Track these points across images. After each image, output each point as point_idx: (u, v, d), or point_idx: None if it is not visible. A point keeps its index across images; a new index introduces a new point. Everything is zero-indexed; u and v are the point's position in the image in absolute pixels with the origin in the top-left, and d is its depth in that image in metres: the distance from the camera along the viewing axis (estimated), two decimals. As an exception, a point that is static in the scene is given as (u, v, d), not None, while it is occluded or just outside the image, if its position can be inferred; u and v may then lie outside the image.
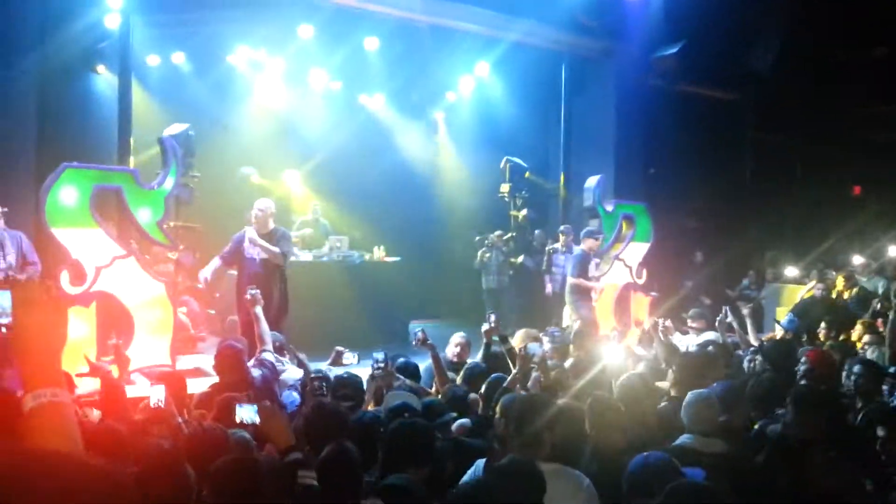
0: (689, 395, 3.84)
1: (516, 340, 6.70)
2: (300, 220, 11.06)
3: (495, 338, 5.64)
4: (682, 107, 12.52)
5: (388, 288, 10.20)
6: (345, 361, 5.55)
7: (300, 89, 12.05)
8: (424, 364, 5.73)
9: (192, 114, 9.23)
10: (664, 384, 4.89)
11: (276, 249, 7.12)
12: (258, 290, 5.53)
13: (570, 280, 9.10)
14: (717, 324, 7.08)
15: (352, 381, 4.68)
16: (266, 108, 11.79)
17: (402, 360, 5.43)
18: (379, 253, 10.52)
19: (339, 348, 5.72)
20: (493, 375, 4.91)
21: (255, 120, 11.69)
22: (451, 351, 6.17)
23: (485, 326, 5.81)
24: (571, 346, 6.27)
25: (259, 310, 5.38)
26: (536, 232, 11.76)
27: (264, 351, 5.15)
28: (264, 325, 5.30)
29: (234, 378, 4.71)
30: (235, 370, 4.75)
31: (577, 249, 9.42)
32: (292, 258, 8.12)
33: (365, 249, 10.55)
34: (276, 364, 5.11)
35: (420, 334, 5.39)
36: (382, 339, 7.62)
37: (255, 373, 4.87)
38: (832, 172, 14.43)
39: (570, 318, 8.99)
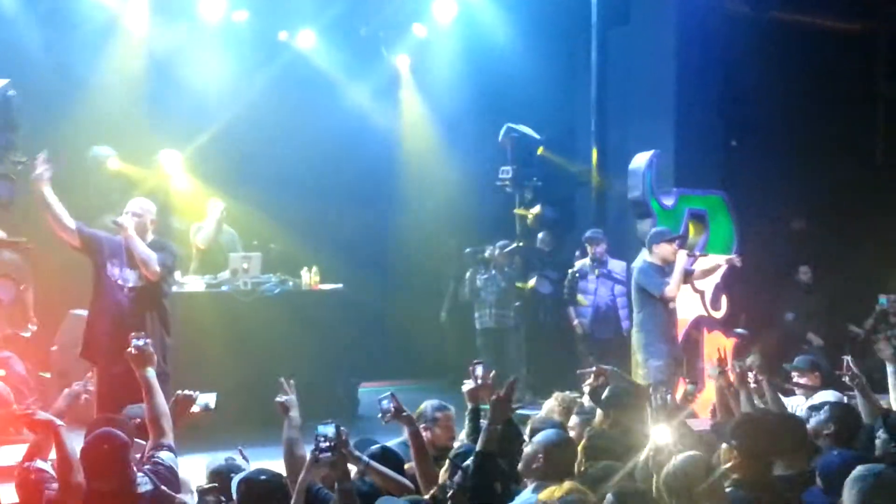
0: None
1: (543, 413, 6.75)
2: (195, 227, 11.01)
3: (483, 406, 5.64)
4: (779, 47, 12.64)
5: (324, 332, 10.19)
6: (197, 405, 5.45)
7: (185, 25, 12.03)
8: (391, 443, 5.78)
9: (18, 66, 9.19)
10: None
11: (152, 253, 7.28)
12: (146, 339, 5.37)
13: (672, 292, 8.91)
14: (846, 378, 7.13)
15: (272, 483, 4.71)
16: (134, 56, 11.76)
17: (374, 445, 5.50)
18: (309, 278, 10.49)
19: (186, 392, 5.54)
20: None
21: (116, 74, 11.66)
22: (423, 432, 6.16)
23: (468, 384, 5.80)
24: (599, 414, 6.29)
25: (152, 374, 5.25)
26: (540, 235, 11.77)
27: (160, 447, 5.05)
28: (161, 402, 5.16)
29: (110, 486, 4.65)
30: (114, 476, 4.65)
31: (639, 261, 9.35)
32: (174, 287, 8.12)
33: (287, 272, 10.52)
34: (177, 469, 5.05)
35: (392, 402, 5.43)
36: (315, 411, 7.54)
37: (145, 485, 4.78)
38: None
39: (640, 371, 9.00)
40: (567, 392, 7.11)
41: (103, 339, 7.26)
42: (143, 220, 7.45)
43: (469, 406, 5.82)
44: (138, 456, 5.22)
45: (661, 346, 8.91)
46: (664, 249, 9.01)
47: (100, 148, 11.25)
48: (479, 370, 5.81)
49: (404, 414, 5.47)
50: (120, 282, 7.37)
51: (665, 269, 9.00)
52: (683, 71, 11.97)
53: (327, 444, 4.72)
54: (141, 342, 5.29)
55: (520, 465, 5.08)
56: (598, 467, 5.11)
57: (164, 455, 4.93)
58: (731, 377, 6.89)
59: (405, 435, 5.78)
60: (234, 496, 4.79)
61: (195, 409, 5.21)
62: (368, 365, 11.00)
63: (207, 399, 5.18)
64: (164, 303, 7.52)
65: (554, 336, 11.69)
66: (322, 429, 4.78)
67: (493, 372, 5.95)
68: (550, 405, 6.87)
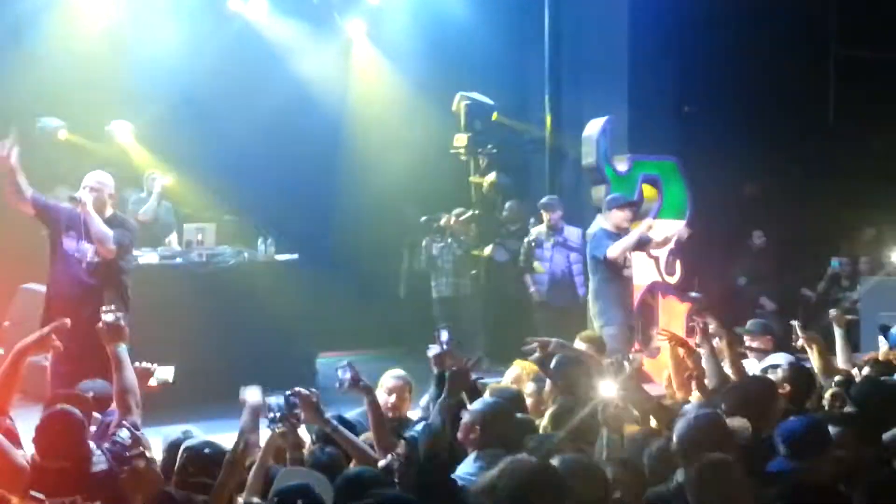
0: None
1: (506, 381, 6.78)
2: (133, 199, 10.96)
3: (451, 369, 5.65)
4: (731, 10, 12.69)
5: (281, 303, 10.13)
6: (155, 378, 5.42)
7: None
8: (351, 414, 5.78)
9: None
10: None
11: (108, 231, 7.24)
12: (118, 313, 5.25)
13: (612, 253, 8.95)
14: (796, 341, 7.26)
15: (214, 458, 4.64)
16: (82, 25, 11.61)
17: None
18: (265, 249, 10.47)
19: (144, 364, 5.49)
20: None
21: (61, 41, 11.51)
22: (381, 401, 6.17)
23: (433, 349, 5.81)
24: (548, 384, 6.33)
25: (123, 350, 5.15)
26: (508, 204, 11.85)
27: (121, 426, 4.96)
28: (130, 377, 5.06)
29: (61, 465, 4.56)
30: (68, 455, 4.56)
31: (593, 227, 9.44)
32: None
33: (242, 243, 10.53)
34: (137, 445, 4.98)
35: (349, 372, 5.45)
36: (273, 382, 7.55)
37: (100, 464, 4.69)
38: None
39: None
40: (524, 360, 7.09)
41: (60, 314, 7.17)
42: (101, 194, 7.40)
43: (435, 371, 5.84)
44: (93, 428, 5.22)
45: (616, 313, 9.00)
46: (616, 216, 9.10)
47: (48, 119, 11.14)
48: (444, 335, 5.84)
49: (361, 384, 5.49)
50: (77, 255, 7.35)
51: (619, 235, 9.07)
52: (636, 37, 12.01)
53: (274, 414, 4.86)
54: (111, 317, 5.20)
55: (459, 434, 5.11)
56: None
57: (125, 433, 4.85)
58: (690, 340, 6.92)
59: (364, 405, 5.83)
60: (177, 461, 4.77)
61: (153, 382, 5.18)
62: (326, 335, 10.99)
63: (166, 373, 5.17)
64: (123, 279, 7.50)
65: (511, 304, 11.74)
66: (271, 399, 4.95)
67: (454, 340, 5.98)
68: (515, 373, 6.83)
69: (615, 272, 9.04)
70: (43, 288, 9.70)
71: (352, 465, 5.13)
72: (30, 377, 8.95)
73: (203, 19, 12.43)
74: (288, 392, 5.12)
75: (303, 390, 5.16)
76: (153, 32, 11.97)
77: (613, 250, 8.87)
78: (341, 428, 5.21)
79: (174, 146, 11.66)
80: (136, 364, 5.28)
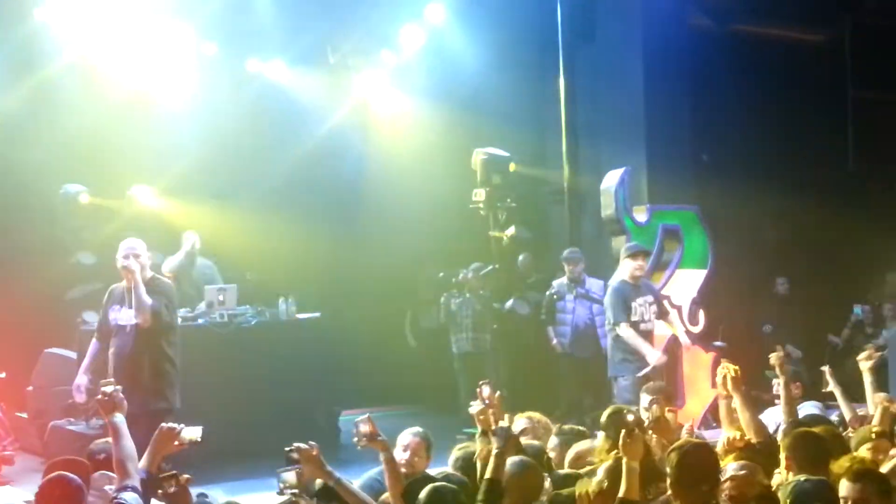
0: None
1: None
2: (167, 262, 10.99)
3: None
4: (746, 58, 12.78)
5: (303, 361, 10.19)
6: (182, 437, 5.42)
7: (154, 59, 12.03)
8: (365, 476, 5.75)
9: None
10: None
11: (147, 300, 7.39)
12: (116, 386, 5.30)
13: (624, 332, 9.07)
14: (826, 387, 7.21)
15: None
16: (100, 87, 11.76)
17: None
18: (286, 308, 10.50)
19: (170, 424, 5.50)
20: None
21: (84, 105, 11.65)
22: (398, 458, 6.10)
23: (475, 406, 5.71)
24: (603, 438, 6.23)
25: (120, 419, 5.23)
26: (521, 258, 11.87)
27: (125, 489, 5.02)
28: (128, 445, 5.11)
29: None
30: None
31: (613, 280, 9.48)
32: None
33: (264, 303, 10.52)
34: None
35: (365, 426, 5.38)
36: (296, 441, 7.54)
37: None
38: None
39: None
40: (537, 413, 6.99)
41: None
42: (139, 259, 7.54)
43: (479, 429, 5.71)
44: (107, 488, 5.24)
45: (628, 365, 8.99)
46: (629, 265, 9.16)
47: (70, 185, 11.25)
48: (487, 391, 5.75)
49: (379, 438, 5.43)
50: (122, 322, 7.54)
51: (635, 286, 9.13)
52: (651, 87, 12.08)
53: (290, 490, 4.89)
54: (109, 388, 5.26)
55: None
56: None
57: (128, 496, 4.86)
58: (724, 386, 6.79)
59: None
60: None
61: (180, 441, 5.22)
62: (349, 393, 10.96)
63: (193, 432, 5.19)
64: (162, 341, 7.61)
65: (533, 357, 11.70)
66: (285, 475, 4.94)
67: (499, 393, 5.90)
68: (523, 426, 6.70)
69: (633, 327, 9.07)
70: (66, 353, 9.84)
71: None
72: (53, 441, 9.12)
73: (223, 80, 12.60)
74: (287, 448, 5.11)
75: (302, 445, 5.12)
76: (175, 94, 12.12)
77: (623, 331, 9.02)
78: (344, 481, 5.18)
79: (196, 207, 11.75)
80: (163, 424, 5.32)
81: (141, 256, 7.58)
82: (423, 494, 4.88)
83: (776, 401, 7.84)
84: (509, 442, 5.17)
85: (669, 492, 4.68)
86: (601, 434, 6.39)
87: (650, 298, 9.35)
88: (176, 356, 7.77)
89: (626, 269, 9.20)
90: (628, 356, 9.09)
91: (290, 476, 4.93)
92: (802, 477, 4.73)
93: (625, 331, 9.09)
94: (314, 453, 5.08)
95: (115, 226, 10.71)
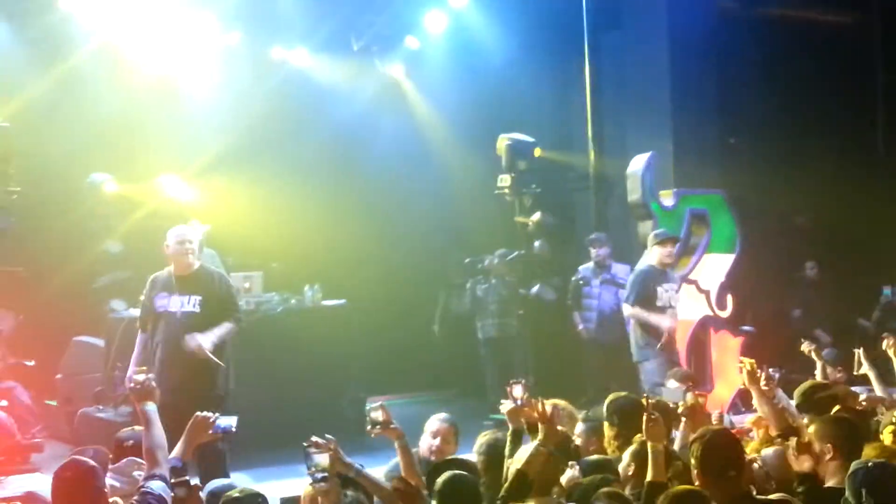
0: None
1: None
2: None
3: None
4: (774, 41, 12.69)
5: (329, 348, 10.18)
6: (217, 426, 5.43)
7: (177, 46, 12.06)
8: (392, 463, 5.74)
9: (9, 94, 9.37)
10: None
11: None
12: (148, 374, 5.28)
13: (627, 310, 9.07)
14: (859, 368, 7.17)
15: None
16: (125, 76, 11.81)
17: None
18: (312, 295, 10.52)
19: (205, 413, 5.45)
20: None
21: (110, 94, 11.71)
22: (426, 444, 6.15)
23: (506, 405, 5.63)
24: (606, 426, 6.23)
25: (152, 408, 5.19)
26: (537, 244, 11.78)
27: (153, 477, 5.03)
28: (158, 434, 5.08)
29: None
30: (82, 499, 4.66)
31: (641, 264, 9.45)
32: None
33: (290, 290, 10.53)
34: (169, 498, 5.01)
35: (379, 414, 5.40)
36: (323, 429, 7.56)
37: None
38: None
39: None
40: (562, 401, 6.93)
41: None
42: (184, 247, 7.46)
43: (511, 427, 5.60)
44: (135, 474, 5.24)
45: (652, 349, 8.96)
46: (658, 252, 9.15)
47: (96, 174, 11.31)
48: (518, 390, 5.65)
49: (392, 426, 5.43)
50: (172, 310, 7.44)
51: (663, 272, 9.10)
52: (677, 71, 12.03)
53: (321, 473, 4.87)
54: (141, 377, 5.24)
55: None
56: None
57: (155, 485, 4.86)
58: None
59: (414, 448, 5.83)
60: None
61: (215, 430, 5.24)
62: (375, 380, 10.98)
63: (229, 421, 5.24)
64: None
65: (559, 343, 11.68)
66: (317, 458, 4.92)
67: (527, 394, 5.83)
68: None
69: (656, 311, 9.01)
70: (94, 340, 9.90)
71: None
72: (81, 429, 9.17)
73: (248, 68, 12.65)
74: (305, 443, 5.09)
75: (319, 438, 5.10)
76: (200, 83, 12.17)
77: (627, 308, 9.13)
78: (365, 471, 5.19)
79: (222, 194, 11.79)
80: (198, 413, 5.35)
81: (184, 244, 7.50)
82: (440, 480, 4.88)
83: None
84: (553, 434, 5.15)
85: (697, 482, 4.63)
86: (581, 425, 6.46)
87: (674, 286, 9.31)
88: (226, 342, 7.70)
89: (655, 255, 9.18)
90: (650, 339, 9.06)
91: (323, 458, 4.92)
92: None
93: (630, 310, 9.11)
94: (332, 447, 5.09)
95: (142, 214, 10.76)
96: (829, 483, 4.81)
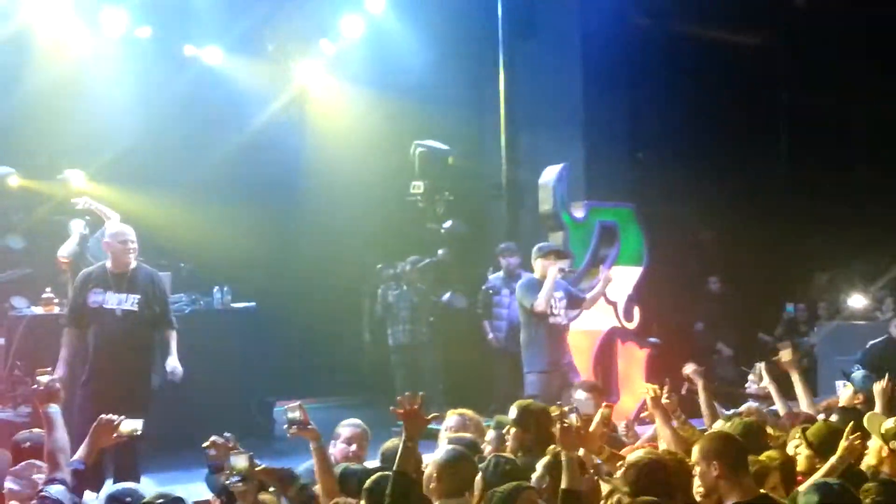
0: None
1: (444, 429, 6.67)
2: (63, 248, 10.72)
3: None
4: (683, 58, 12.90)
5: (237, 351, 10.15)
6: (122, 429, 5.31)
7: (86, 39, 11.84)
8: (300, 468, 5.65)
9: None
10: None
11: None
12: (53, 375, 5.23)
13: (540, 307, 9.02)
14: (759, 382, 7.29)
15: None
16: (31, 68, 11.54)
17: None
18: (221, 297, 10.40)
19: (109, 416, 5.35)
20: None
21: (15, 85, 11.44)
22: (341, 451, 6.11)
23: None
24: (515, 432, 6.22)
25: (55, 410, 5.09)
26: (440, 251, 11.79)
27: (53, 481, 4.90)
28: (61, 437, 5.00)
29: None
30: None
31: (523, 279, 9.53)
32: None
33: (197, 291, 10.44)
34: (69, 503, 4.89)
35: (298, 414, 5.35)
36: (229, 432, 7.48)
37: None
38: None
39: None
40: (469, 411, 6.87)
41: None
42: (125, 245, 7.54)
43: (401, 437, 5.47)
44: (35, 477, 5.16)
45: (540, 360, 9.02)
46: (541, 264, 9.14)
47: (-1, 168, 11.01)
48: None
49: (310, 427, 5.40)
50: (109, 306, 7.44)
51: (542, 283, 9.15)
52: (590, 84, 12.17)
53: (237, 475, 4.87)
54: (45, 378, 5.17)
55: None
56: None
57: (54, 489, 4.81)
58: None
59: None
60: None
61: (119, 434, 5.13)
62: (283, 384, 10.89)
63: (134, 424, 5.13)
64: (151, 328, 7.73)
65: (469, 351, 11.70)
66: (234, 460, 4.91)
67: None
68: (454, 421, 6.58)
69: (541, 320, 9.06)
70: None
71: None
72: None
73: (159, 64, 12.44)
74: (204, 444, 5.15)
75: (217, 438, 5.16)
76: (109, 77, 11.93)
77: (539, 304, 8.91)
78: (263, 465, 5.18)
79: (129, 191, 11.56)
80: (102, 416, 5.23)
81: (126, 242, 7.55)
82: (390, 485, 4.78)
83: (750, 398, 7.97)
84: (416, 428, 4.90)
85: None
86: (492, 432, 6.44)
87: (560, 293, 9.31)
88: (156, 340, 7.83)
89: (538, 267, 9.18)
90: (536, 352, 9.08)
91: (241, 460, 4.90)
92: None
93: (542, 305, 8.89)
94: (230, 445, 5.06)
95: (46, 210, 10.51)
96: (732, 501, 4.78)
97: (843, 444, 5.38)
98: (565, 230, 10.06)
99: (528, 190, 11.55)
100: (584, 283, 10.04)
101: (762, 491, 4.78)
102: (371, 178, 12.84)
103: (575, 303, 9.33)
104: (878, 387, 6.79)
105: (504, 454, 5.74)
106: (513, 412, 6.27)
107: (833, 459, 5.36)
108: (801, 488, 4.94)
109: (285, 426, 5.46)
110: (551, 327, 9.07)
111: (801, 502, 4.51)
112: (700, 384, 7.11)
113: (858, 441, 5.43)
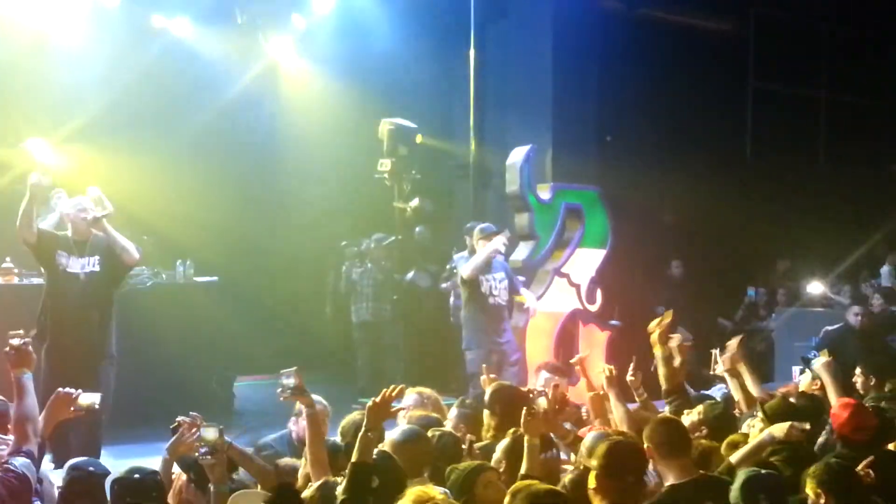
0: None
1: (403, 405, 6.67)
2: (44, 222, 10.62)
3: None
4: (653, 43, 12.93)
5: (199, 326, 10.09)
6: (80, 403, 5.24)
7: (52, 8, 11.68)
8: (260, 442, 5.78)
9: None
10: None
11: (129, 244, 7.84)
12: (24, 338, 4.93)
13: (466, 272, 9.13)
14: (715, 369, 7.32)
15: (146, 482, 4.61)
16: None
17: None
18: (183, 271, 10.34)
19: (67, 389, 5.25)
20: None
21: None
22: (298, 426, 6.14)
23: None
24: (487, 415, 6.26)
25: (28, 377, 4.87)
26: (418, 230, 11.83)
27: (18, 452, 4.73)
28: (31, 404, 4.81)
29: None
30: None
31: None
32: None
33: (161, 265, 10.37)
34: (34, 476, 4.77)
35: (293, 380, 5.27)
36: (190, 407, 7.44)
37: None
38: (875, 140, 15.18)
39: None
40: (427, 389, 6.92)
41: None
42: (86, 215, 7.75)
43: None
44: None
45: (478, 338, 9.11)
46: (481, 245, 9.22)
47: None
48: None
49: (306, 393, 5.34)
50: (72, 271, 7.66)
51: (490, 263, 9.23)
52: (559, 67, 12.19)
53: (206, 448, 4.84)
54: (17, 341, 4.89)
55: None
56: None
57: (19, 461, 4.62)
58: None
59: (286, 428, 5.93)
60: (109, 497, 4.68)
61: (77, 407, 5.06)
62: (245, 359, 10.88)
63: (91, 398, 5.09)
64: (111, 292, 7.93)
65: (432, 329, 11.72)
66: (204, 432, 4.91)
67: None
68: (413, 399, 6.63)
69: (480, 299, 9.11)
70: None
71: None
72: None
73: (127, 35, 12.27)
74: (172, 426, 5.18)
75: (185, 419, 5.19)
76: (74, 45, 11.79)
77: (466, 269, 9.10)
78: (237, 446, 5.18)
79: (93, 162, 11.45)
80: (60, 389, 5.10)
81: (87, 212, 7.79)
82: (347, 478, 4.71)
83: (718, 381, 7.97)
84: (375, 419, 4.91)
85: (594, 483, 4.65)
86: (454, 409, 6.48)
87: (501, 275, 9.33)
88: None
89: (480, 247, 9.26)
90: (477, 329, 9.15)
91: (211, 433, 4.88)
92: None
93: (468, 271, 9.10)
94: (198, 423, 5.05)
95: (7, 178, 10.38)
96: (669, 482, 4.84)
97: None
98: (531, 211, 10.08)
99: (495, 170, 11.57)
100: (548, 264, 10.10)
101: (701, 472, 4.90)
102: (339, 154, 12.80)
103: (513, 290, 9.40)
104: (820, 364, 6.78)
105: (449, 430, 5.80)
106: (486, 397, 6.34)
107: None
108: (732, 458, 5.16)
109: (279, 390, 5.36)
110: (490, 307, 9.16)
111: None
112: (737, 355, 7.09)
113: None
